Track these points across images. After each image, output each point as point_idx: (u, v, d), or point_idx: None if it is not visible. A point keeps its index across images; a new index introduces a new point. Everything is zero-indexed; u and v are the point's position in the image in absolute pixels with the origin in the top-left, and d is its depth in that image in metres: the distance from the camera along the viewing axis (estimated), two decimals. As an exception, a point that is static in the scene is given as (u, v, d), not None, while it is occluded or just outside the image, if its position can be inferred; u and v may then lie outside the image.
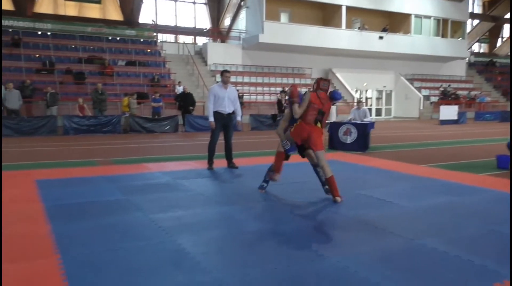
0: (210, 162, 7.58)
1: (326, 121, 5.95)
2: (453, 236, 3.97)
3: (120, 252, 3.52)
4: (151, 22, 27.45)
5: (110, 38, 23.33)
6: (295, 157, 5.88)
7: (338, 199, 5.21)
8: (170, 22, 28.94)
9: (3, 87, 14.72)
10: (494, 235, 4.00)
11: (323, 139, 5.41)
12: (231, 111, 7.55)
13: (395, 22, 29.28)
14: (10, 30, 20.92)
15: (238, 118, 7.76)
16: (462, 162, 8.82)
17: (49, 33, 22.15)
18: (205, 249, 3.62)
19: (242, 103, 16.33)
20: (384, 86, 29.52)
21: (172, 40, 28.68)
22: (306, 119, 5.29)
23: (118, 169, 7.78)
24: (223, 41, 28.72)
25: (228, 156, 7.72)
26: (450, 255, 3.47)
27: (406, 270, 3.20)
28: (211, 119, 7.44)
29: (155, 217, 4.52)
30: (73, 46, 21.85)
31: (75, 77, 19.67)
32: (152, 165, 8.01)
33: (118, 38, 23.62)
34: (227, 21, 30.05)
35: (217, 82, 23.13)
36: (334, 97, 5.47)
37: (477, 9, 37.67)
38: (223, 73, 7.48)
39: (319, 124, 5.31)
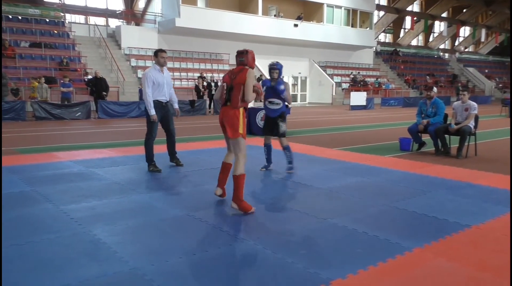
0: (152, 162, 6.37)
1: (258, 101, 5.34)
2: (361, 214, 4.27)
3: (27, 246, 3.31)
4: (57, 1, 25.60)
5: (10, 17, 21.40)
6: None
7: (234, 206, 4.27)
8: (80, 2, 27.22)
9: None
10: (396, 212, 4.36)
11: (242, 122, 4.34)
12: (168, 99, 6.44)
13: (309, 10, 30.21)
14: None
15: (176, 105, 6.65)
16: (370, 145, 9.43)
17: None
18: (122, 239, 3.53)
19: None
20: (299, 73, 30.48)
21: (82, 21, 27.04)
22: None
23: (23, 158, 7.24)
24: (137, 24, 27.67)
25: (172, 150, 6.77)
26: (358, 232, 3.73)
27: (319, 248, 3.39)
28: (153, 112, 6.12)
29: (66, 208, 4.30)
30: (-34, 24, 19.73)
31: (-31, 59, 17.84)
32: (62, 154, 7.56)
33: (20, 17, 21.74)
34: (141, 3, 28.94)
35: (133, 67, 22.53)
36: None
37: (383, 1, 40.03)
38: (159, 52, 6.23)
39: (228, 103, 4.38)
